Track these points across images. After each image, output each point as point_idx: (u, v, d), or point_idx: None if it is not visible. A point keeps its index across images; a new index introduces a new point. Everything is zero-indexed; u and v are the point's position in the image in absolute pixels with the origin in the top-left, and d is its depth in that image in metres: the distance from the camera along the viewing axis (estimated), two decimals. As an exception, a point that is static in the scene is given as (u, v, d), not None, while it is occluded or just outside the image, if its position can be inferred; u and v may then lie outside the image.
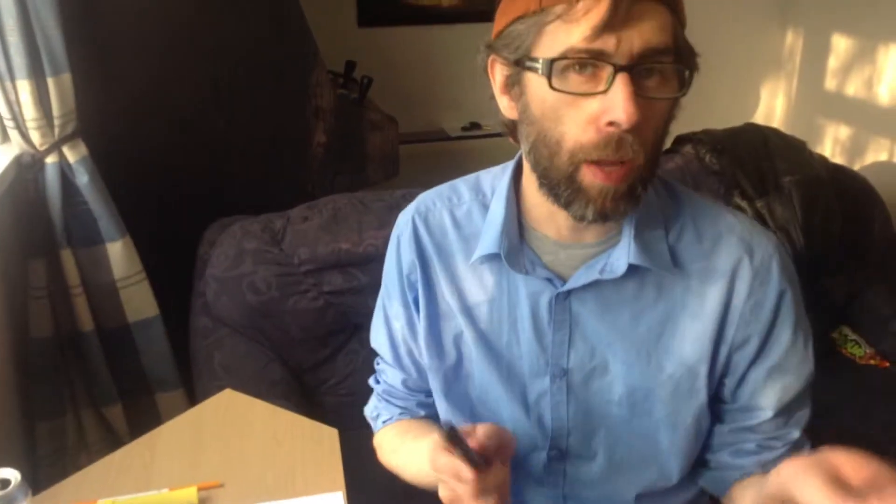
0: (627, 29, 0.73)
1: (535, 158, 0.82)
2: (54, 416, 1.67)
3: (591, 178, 0.78)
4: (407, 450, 1.04)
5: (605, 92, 0.75)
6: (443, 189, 1.00)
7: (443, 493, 0.81)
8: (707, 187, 1.92)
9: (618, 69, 0.74)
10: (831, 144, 2.93)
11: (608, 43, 0.73)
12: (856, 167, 2.61)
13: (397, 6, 2.84)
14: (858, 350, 2.03)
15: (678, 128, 2.00)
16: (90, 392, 1.71)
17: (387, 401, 1.11)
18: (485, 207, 0.95)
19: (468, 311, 0.96)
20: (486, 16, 0.88)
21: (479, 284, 0.95)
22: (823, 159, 2.07)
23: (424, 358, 1.01)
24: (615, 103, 0.74)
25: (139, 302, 1.70)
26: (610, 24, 0.73)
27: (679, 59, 0.77)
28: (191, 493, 1.02)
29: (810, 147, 2.05)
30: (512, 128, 0.87)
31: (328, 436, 1.14)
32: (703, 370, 0.89)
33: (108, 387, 1.71)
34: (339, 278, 1.66)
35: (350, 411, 1.64)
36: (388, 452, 1.10)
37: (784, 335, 0.90)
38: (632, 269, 0.87)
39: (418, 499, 1.21)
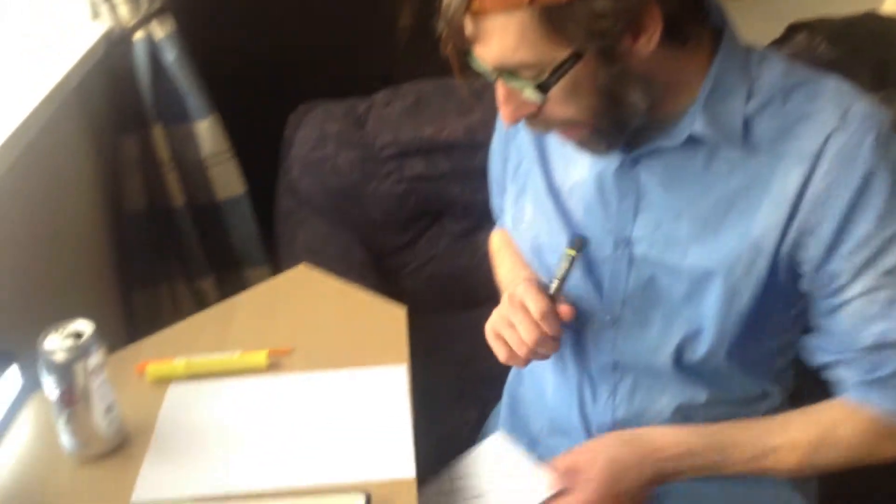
0: (481, 43, 0.77)
1: None
2: (150, 287, 1.76)
3: None
4: (503, 255, 1.13)
5: None
6: None
7: (498, 349, 0.92)
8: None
9: (490, 75, 0.80)
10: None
11: (476, 53, 0.79)
12: None
13: None
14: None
15: (792, 14, 1.88)
16: (183, 265, 1.78)
17: None
18: None
19: (544, 161, 0.97)
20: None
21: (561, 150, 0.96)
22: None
23: (508, 217, 1.05)
24: None
25: (227, 180, 1.74)
26: (468, 39, 0.77)
27: (535, 73, 0.78)
28: (261, 356, 1.06)
29: (939, 39, 1.87)
30: None
31: (397, 313, 1.15)
32: (767, 249, 0.83)
33: (200, 260, 1.77)
34: (420, 164, 1.65)
35: (427, 296, 1.67)
36: (494, 249, 1.18)
37: (863, 226, 0.80)
38: (700, 139, 0.84)
39: (479, 384, 1.23)
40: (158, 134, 1.65)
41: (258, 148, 1.75)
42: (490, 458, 1.02)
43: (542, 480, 0.95)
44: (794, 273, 0.86)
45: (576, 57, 0.76)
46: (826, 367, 0.90)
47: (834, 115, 0.81)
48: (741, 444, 0.90)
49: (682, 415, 0.95)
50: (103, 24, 1.58)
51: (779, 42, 1.86)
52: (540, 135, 0.97)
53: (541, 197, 0.97)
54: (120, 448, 0.95)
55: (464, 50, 0.79)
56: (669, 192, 0.87)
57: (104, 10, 1.55)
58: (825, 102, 0.82)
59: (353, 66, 1.94)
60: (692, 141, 0.84)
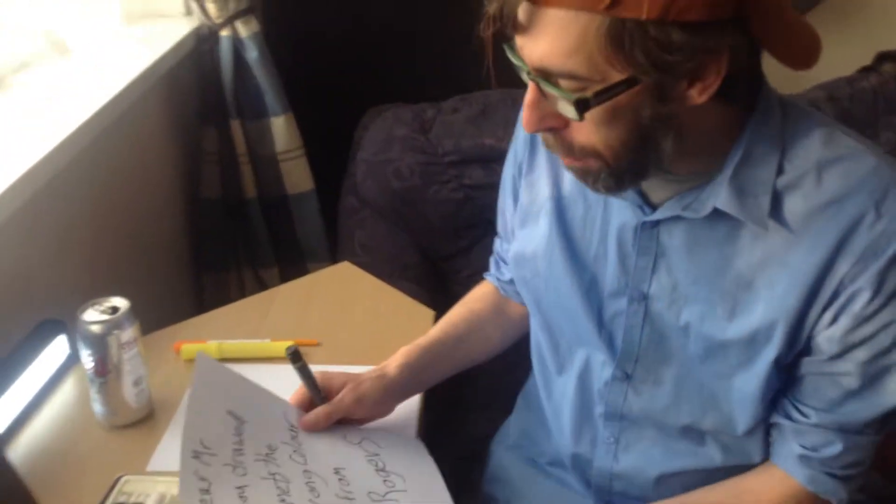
0: (530, 36, 0.71)
1: None
2: (219, 271, 1.85)
3: None
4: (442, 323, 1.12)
5: None
6: None
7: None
8: (904, 114, 1.71)
9: (528, 73, 0.74)
10: None
11: (519, 44, 0.73)
12: None
13: None
14: None
15: (882, 43, 1.80)
16: (251, 253, 1.87)
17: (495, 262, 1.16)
18: None
19: (559, 201, 0.93)
20: None
21: (580, 185, 0.92)
22: None
23: (511, 248, 1.01)
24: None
25: (297, 176, 1.81)
26: (518, 26, 0.71)
27: (578, 87, 0.71)
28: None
29: None
30: None
31: (424, 313, 1.18)
32: (781, 326, 0.80)
33: (266, 250, 1.86)
34: (480, 172, 1.67)
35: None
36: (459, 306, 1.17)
37: (869, 308, 0.77)
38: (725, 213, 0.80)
39: (485, 380, 1.25)
40: (236, 128, 1.74)
41: (330, 147, 1.81)
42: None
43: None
44: (801, 348, 0.83)
45: (629, 83, 0.70)
46: (770, 426, 0.88)
47: (868, 203, 0.76)
48: None
49: (684, 478, 0.94)
50: (194, 21, 1.68)
51: (866, 70, 1.79)
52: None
53: (553, 239, 0.94)
54: (146, 419, 1.02)
55: (507, 36, 0.73)
56: (689, 256, 0.84)
57: (195, 7, 1.65)
58: (861, 186, 0.77)
59: (431, 71, 1.98)
60: (716, 213, 0.80)
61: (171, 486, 0.89)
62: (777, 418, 0.86)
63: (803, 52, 0.74)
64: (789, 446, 0.85)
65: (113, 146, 1.40)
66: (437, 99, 1.79)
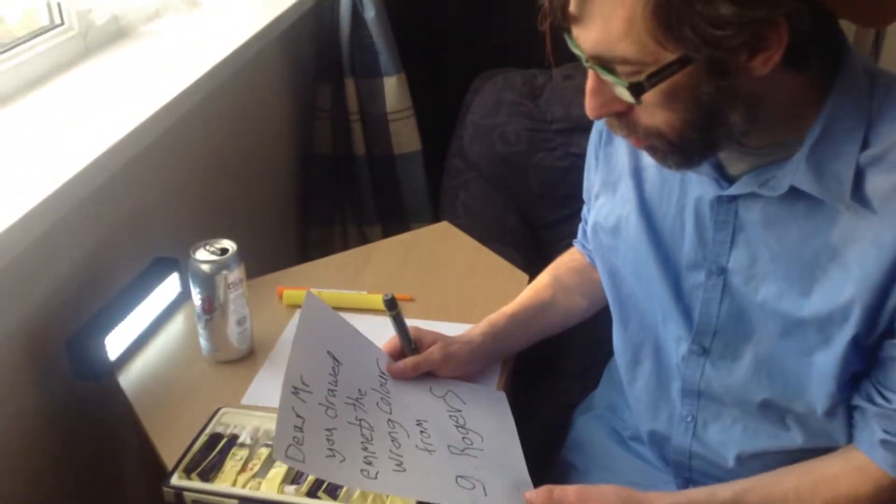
0: (582, 26, 0.71)
1: None
2: (325, 225, 1.91)
3: None
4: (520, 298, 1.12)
5: None
6: None
7: None
8: None
9: (585, 62, 0.74)
10: None
11: (574, 33, 0.73)
12: None
13: None
14: None
15: None
16: (356, 210, 1.92)
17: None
18: None
19: (637, 169, 0.92)
20: None
21: None
22: None
23: (590, 217, 1.00)
24: None
25: (405, 136, 1.84)
26: (569, 17, 0.72)
27: (633, 71, 0.70)
28: (381, 299, 1.13)
29: None
30: None
31: (517, 277, 1.19)
32: (862, 304, 0.77)
33: (371, 208, 1.90)
34: (586, 141, 1.64)
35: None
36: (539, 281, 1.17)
37: None
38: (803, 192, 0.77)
39: (578, 350, 1.24)
40: (350, 86, 1.78)
41: (439, 109, 1.83)
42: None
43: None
44: (882, 330, 0.78)
45: (682, 63, 0.69)
46: (852, 408, 0.84)
47: None
48: None
49: (765, 459, 0.91)
50: (316, -20, 1.73)
51: None
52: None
53: (630, 209, 0.93)
54: (246, 357, 1.08)
55: (563, 28, 0.75)
56: (767, 232, 0.81)
57: (317, -35, 1.69)
58: None
59: (545, 38, 1.96)
60: (794, 191, 0.78)
61: (265, 421, 0.94)
62: (859, 401, 0.82)
63: (878, 7, 0.71)
64: (872, 431, 0.82)
65: (231, 98, 1.46)
66: (550, 66, 1.77)
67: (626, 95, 0.72)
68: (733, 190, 0.82)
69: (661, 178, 0.90)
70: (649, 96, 0.71)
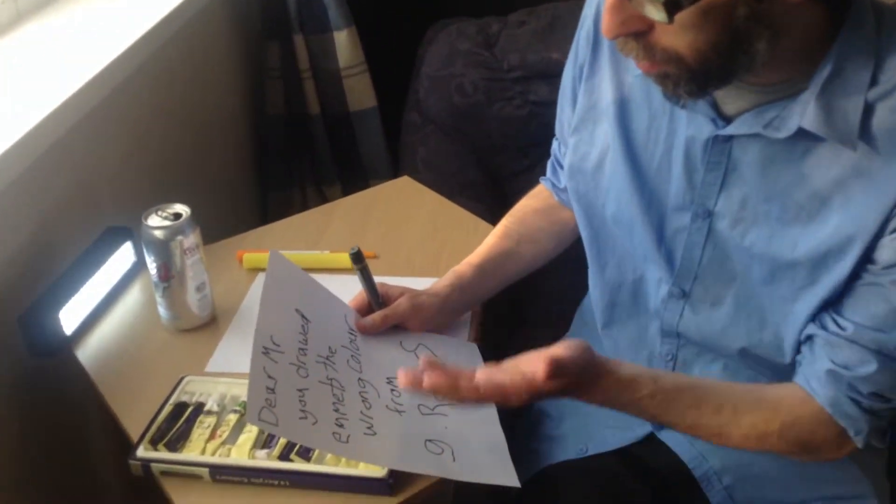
0: None
1: None
2: (283, 188, 1.87)
3: None
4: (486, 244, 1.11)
5: None
6: None
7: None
8: None
9: None
10: None
11: None
12: None
13: None
14: None
15: None
16: (314, 171, 1.88)
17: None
18: None
19: (623, 104, 0.89)
20: None
21: (645, 89, 0.88)
22: None
23: (566, 157, 0.97)
24: None
25: (360, 92, 1.79)
26: None
27: None
28: (345, 257, 1.10)
29: None
30: None
31: (481, 229, 1.17)
32: (857, 246, 0.76)
33: (329, 168, 1.86)
34: (546, 88, 1.62)
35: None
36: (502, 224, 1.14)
37: None
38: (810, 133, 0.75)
39: (546, 298, 1.23)
40: (299, 43, 1.73)
41: (393, 63, 1.79)
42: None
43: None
44: (864, 266, 0.78)
45: None
46: (801, 343, 0.83)
47: None
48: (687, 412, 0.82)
49: None
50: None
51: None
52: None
53: (613, 148, 0.91)
54: (208, 324, 1.05)
55: None
56: (762, 173, 0.80)
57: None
58: None
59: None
60: (799, 132, 0.76)
61: (231, 387, 0.92)
62: (812, 329, 0.81)
63: None
64: (819, 363, 0.80)
65: (176, 59, 1.41)
66: (504, 12, 1.74)
67: (657, 14, 0.67)
68: (732, 129, 0.80)
69: (648, 117, 0.87)
70: (682, 15, 0.67)
